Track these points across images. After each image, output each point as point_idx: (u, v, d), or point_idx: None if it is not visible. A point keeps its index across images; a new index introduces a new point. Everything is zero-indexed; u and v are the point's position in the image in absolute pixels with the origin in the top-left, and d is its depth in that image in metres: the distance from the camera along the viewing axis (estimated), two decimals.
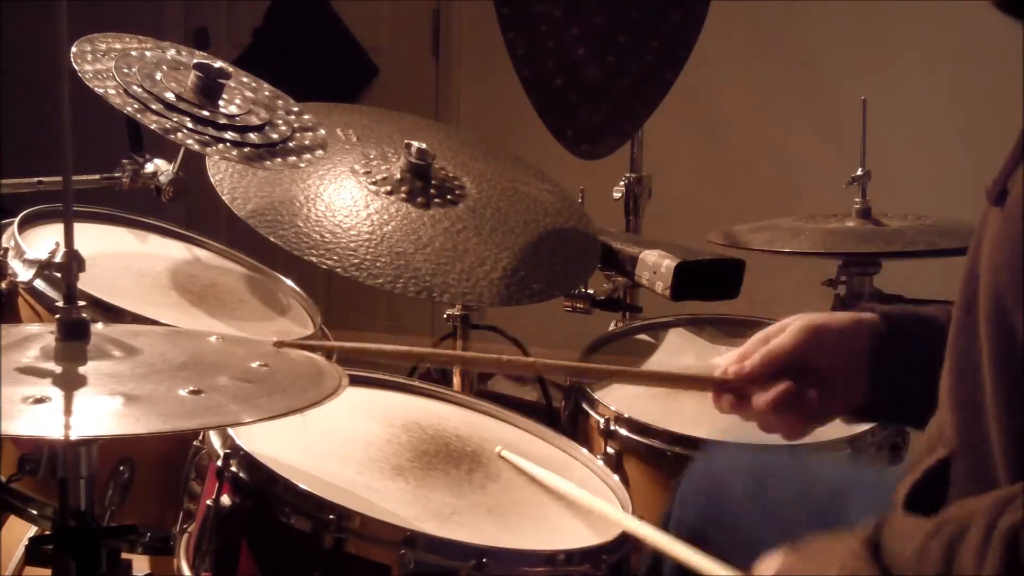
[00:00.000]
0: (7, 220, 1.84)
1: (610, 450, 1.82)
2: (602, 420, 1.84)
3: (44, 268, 1.60)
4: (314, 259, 1.75)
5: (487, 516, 1.49)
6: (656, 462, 1.80)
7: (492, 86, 3.50)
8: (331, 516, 1.36)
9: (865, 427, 1.81)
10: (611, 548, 1.45)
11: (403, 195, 1.90)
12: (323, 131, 1.93)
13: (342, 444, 1.58)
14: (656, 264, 2.03)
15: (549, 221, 2.04)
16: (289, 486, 1.40)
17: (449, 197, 1.94)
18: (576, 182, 2.29)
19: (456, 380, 2.11)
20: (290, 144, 1.86)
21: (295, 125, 1.90)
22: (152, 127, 1.73)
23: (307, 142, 1.88)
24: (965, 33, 3.05)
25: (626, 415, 1.83)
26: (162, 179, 2.03)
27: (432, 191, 1.93)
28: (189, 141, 1.74)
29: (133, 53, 1.85)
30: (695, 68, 2.36)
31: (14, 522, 1.80)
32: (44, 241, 1.75)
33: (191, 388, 1.22)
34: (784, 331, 1.36)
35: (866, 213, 2.22)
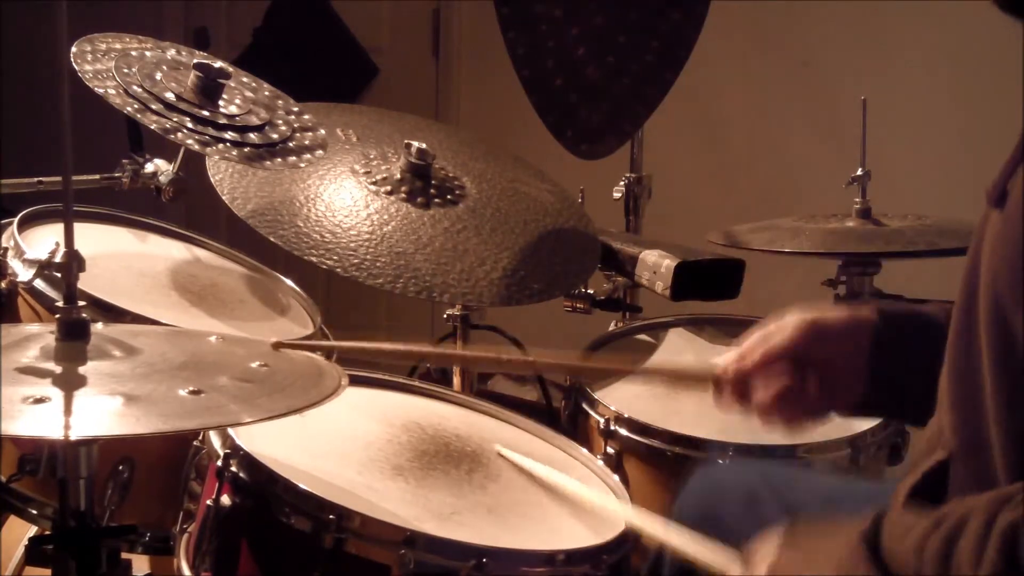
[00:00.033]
0: (7, 220, 1.84)
1: (610, 450, 1.82)
2: (602, 420, 1.84)
3: (44, 268, 1.60)
4: (314, 259, 1.75)
5: (487, 516, 1.49)
6: (656, 462, 1.80)
7: (492, 86, 3.50)
8: (331, 516, 1.36)
9: (865, 427, 1.81)
10: (611, 548, 1.45)
11: (403, 195, 1.90)
12: (323, 131, 1.93)
13: (342, 444, 1.58)
14: (656, 264, 2.03)
15: (549, 221, 2.04)
16: (289, 486, 1.40)
17: (449, 197, 1.94)
18: (576, 182, 2.29)
19: (456, 380, 2.11)
20: (290, 144, 1.86)
21: (295, 125, 1.90)
22: (152, 127, 1.73)
23: (307, 142, 1.88)
24: (965, 33, 3.05)
25: (626, 415, 1.83)
26: (162, 179, 2.03)
27: (432, 191, 1.93)
28: (189, 141, 1.74)
29: (133, 53, 1.85)
30: (695, 68, 2.36)
31: (14, 522, 1.80)
32: (44, 241, 1.75)
33: (191, 388, 1.22)
34: (783, 327, 1.36)
35: (866, 213, 2.22)
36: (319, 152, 1.88)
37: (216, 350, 1.42)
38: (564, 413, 1.96)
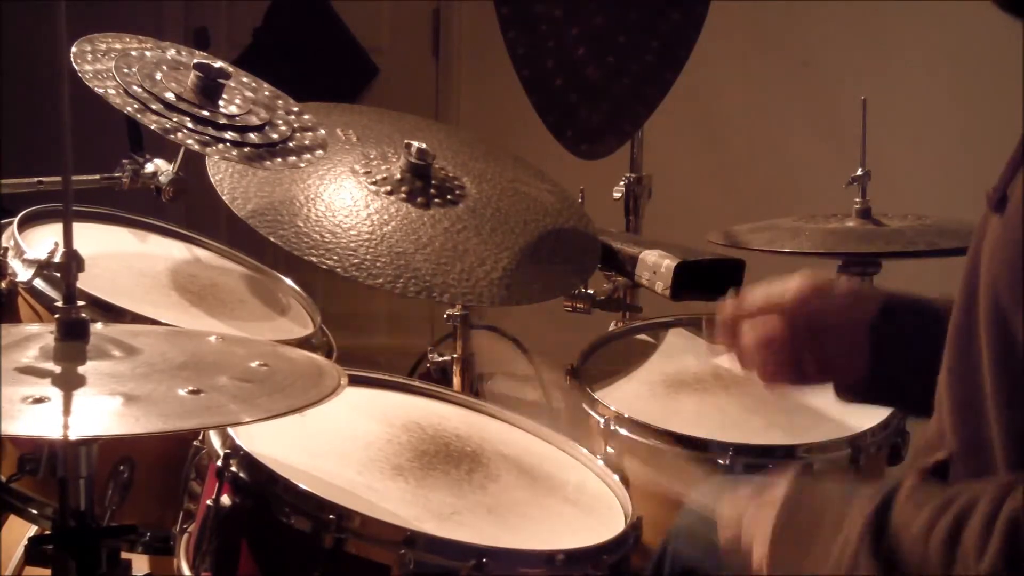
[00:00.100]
0: (7, 220, 1.84)
1: (610, 450, 1.82)
2: (602, 420, 1.83)
3: (43, 268, 1.60)
4: (314, 259, 1.75)
5: (487, 516, 1.49)
6: (656, 462, 1.80)
7: (492, 86, 3.50)
8: (331, 516, 1.36)
9: (865, 427, 1.81)
10: (611, 548, 1.46)
11: (403, 195, 1.90)
12: (323, 131, 1.93)
13: (342, 444, 1.58)
14: (656, 264, 2.03)
15: (549, 221, 2.04)
16: (289, 486, 1.40)
17: (449, 197, 1.94)
18: (576, 182, 2.29)
19: (456, 380, 2.11)
20: (290, 144, 1.86)
21: (295, 125, 1.90)
22: (152, 127, 1.73)
23: (307, 142, 1.88)
24: (965, 33, 3.05)
25: (626, 415, 1.83)
26: (162, 179, 2.03)
27: (432, 191, 1.93)
28: (189, 141, 1.74)
29: (133, 53, 1.85)
30: (695, 68, 2.36)
31: (14, 522, 1.80)
32: (44, 241, 1.75)
33: (191, 388, 1.22)
34: (790, 282, 1.36)
35: (866, 213, 2.22)
36: (319, 152, 1.88)
37: (216, 350, 1.42)
38: (564, 413, 1.96)
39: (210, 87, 1.83)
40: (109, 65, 1.78)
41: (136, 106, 1.74)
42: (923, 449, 1.14)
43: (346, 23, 4.29)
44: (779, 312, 1.35)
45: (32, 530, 1.71)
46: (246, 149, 1.79)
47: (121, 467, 1.65)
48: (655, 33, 2.32)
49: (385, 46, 4.29)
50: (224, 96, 1.85)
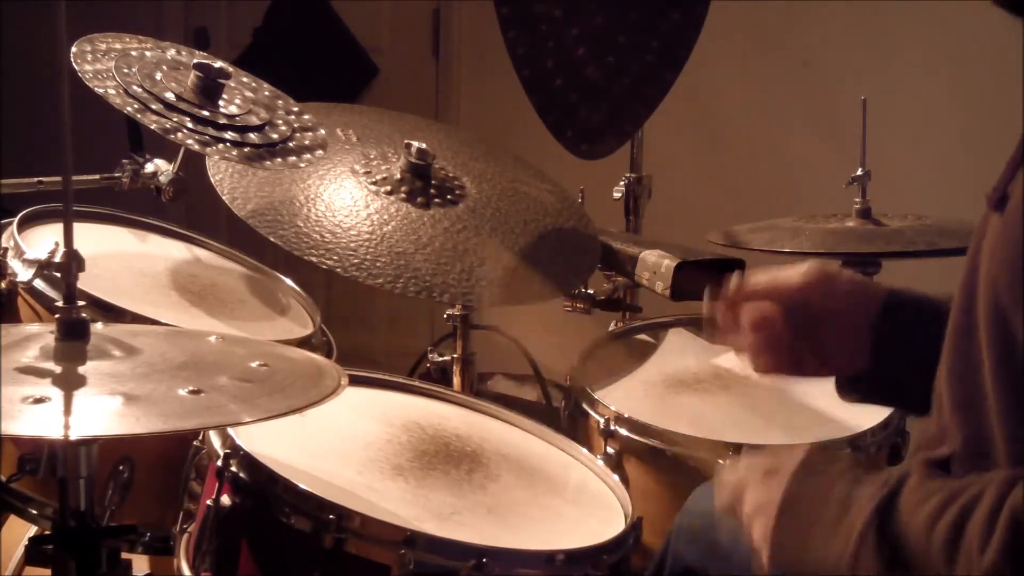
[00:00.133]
0: (7, 220, 1.84)
1: (610, 450, 1.81)
2: (602, 420, 1.83)
3: (43, 268, 1.60)
4: (314, 259, 1.75)
5: (487, 516, 1.49)
6: (656, 462, 1.80)
7: (492, 86, 3.50)
8: (331, 516, 1.36)
9: (865, 427, 1.81)
10: (611, 548, 1.45)
11: (403, 195, 1.90)
12: (323, 131, 1.93)
13: (342, 444, 1.58)
14: (656, 264, 2.03)
15: (549, 221, 2.04)
16: (289, 486, 1.40)
17: (449, 197, 1.94)
18: (576, 182, 2.29)
19: (456, 380, 2.11)
20: (290, 144, 1.86)
21: (295, 125, 1.90)
22: (152, 127, 1.73)
23: (307, 142, 1.88)
24: (965, 33, 3.05)
25: (626, 415, 1.83)
26: (162, 179, 2.03)
27: (432, 191, 1.93)
28: (189, 141, 1.74)
29: (133, 53, 1.85)
30: (695, 68, 2.36)
31: (14, 522, 1.80)
32: (44, 241, 1.75)
33: (191, 388, 1.22)
34: (796, 269, 1.36)
35: (866, 213, 2.22)
36: (319, 152, 1.88)
37: (216, 350, 1.42)
38: (564, 413, 1.96)
39: (210, 87, 1.83)
40: (109, 65, 1.78)
41: (136, 106, 1.74)
42: (922, 446, 1.14)
43: (346, 23, 4.29)
44: (780, 297, 1.35)
45: (32, 530, 1.71)
46: (246, 149, 1.79)
47: (121, 467, 1.65)
48: (655, 33, 2.32)
49: (385, 46, 4.29)
50: (224, 96, 1.85)
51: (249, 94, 1.91)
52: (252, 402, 1.23)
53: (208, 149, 1.75)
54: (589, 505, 1.60)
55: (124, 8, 3.98)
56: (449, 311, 2.11)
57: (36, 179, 1.96)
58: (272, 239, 1.76)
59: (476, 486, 1.55)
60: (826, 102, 3.36)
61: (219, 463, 1.44)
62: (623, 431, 1.82)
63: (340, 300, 3.49)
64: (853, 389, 1.40)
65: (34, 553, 1.29)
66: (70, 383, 1.21)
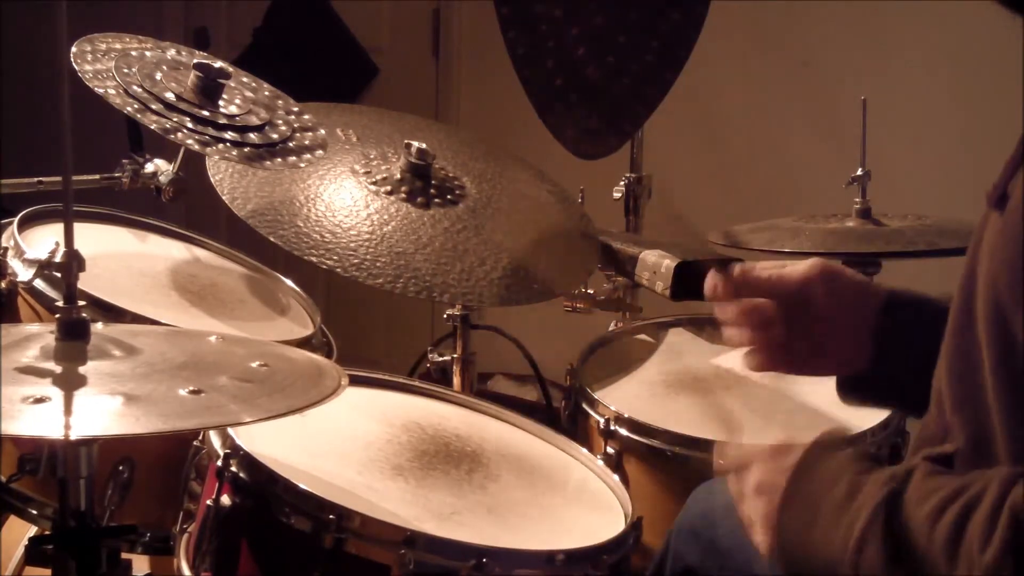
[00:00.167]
0: (7, 220, 1.84)
1: (610, 450, 1.82)
2: (602, 420, 1.84)
3: (44, 268, 1.60)
4: (314, 259, 1.75)
5: (487, 516, 1.49)
6: (656, 462, 1.80)
7: (492, 86, 3.50)
8: (331, 516, 1.36)
9: (865, 427, 1.81)
10: (611, 548, 1.45)
11: (403, 195, 1.90)
12: (323, 131, 1.93)
13: (342, 444, 1.58)
14: (656, 264, 2.03)
15: (549, 221, 2.04)
16: (289, 486, 1.40)
17: (449, 197, 1.94)
18: (576, 182, 2.29)
19: (456, 380, 2.11)
20: (290, 144, 1.86)
21: (295, 125, 1.90)
22: (152, 127, 1.73)
23: (307, 142, 1.88)
24: (965, 33, 3.05)
25: (626, 415, 1.83)
26: (162, 179, 2.03)
27: (432, 191, 1.93)
28: (189, 141, 1.74)
29: (133, 53, 1.85)
30: (695, 68, 2.36)
31: (14, 522, 1.80)
32: (44, 241, 1.76)
33: (191, 388, 1.22)
34: (801, 264, 1.36)
35: (866, 213, 2.22)
36: (319, 152, 1.88)
37: (216, 350, 1.42)
38: (564, 413, 1.96)
39: (210, 87, 1.83)
40: (109, 65, 1.78)
41: (136, 106, 1.74)
42: (923, 444, 1.14)
43: (346, 23, 4.29)
44: (780, 294, 1.35)
45: (32, 530, 1.71)
46: (246, 149, 1.79)
47: (121, 467, 1.65)
48: (655, 33, 2.32)
49: (385, 46, 4.29)
50: (224, 96, 1.85)
51: (249, 94, 1.91)
52: (252, 402, 1.23)
53: (208, 149, 1.75)
54: (589, 505, 1.60)
55: (124, 8, 3.98)
56: (449, 311, 2.11)
57: (36, 179, 1.96)
58: (272, 239, 1.76)
59: (476, 486, 1.55)
60: (826, 102, 3.36)
61: (219, 463, 1.44)
62: (623, 431, 1.82)
63: (340, 300, 3.49)
64: (853, 391, 1.40)
65: (34, 553, 1.29)
66: (70, 383, 1.21)
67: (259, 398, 1.24)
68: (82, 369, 1.24)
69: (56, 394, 1.18)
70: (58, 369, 1.23)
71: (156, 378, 1.25)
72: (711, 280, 1.37)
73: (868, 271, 2.20)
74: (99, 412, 1.17)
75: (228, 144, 1.78)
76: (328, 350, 1.94)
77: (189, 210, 3.41)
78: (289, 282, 2.10)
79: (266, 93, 1.95)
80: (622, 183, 2.53)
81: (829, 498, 1.07)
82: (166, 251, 2.07)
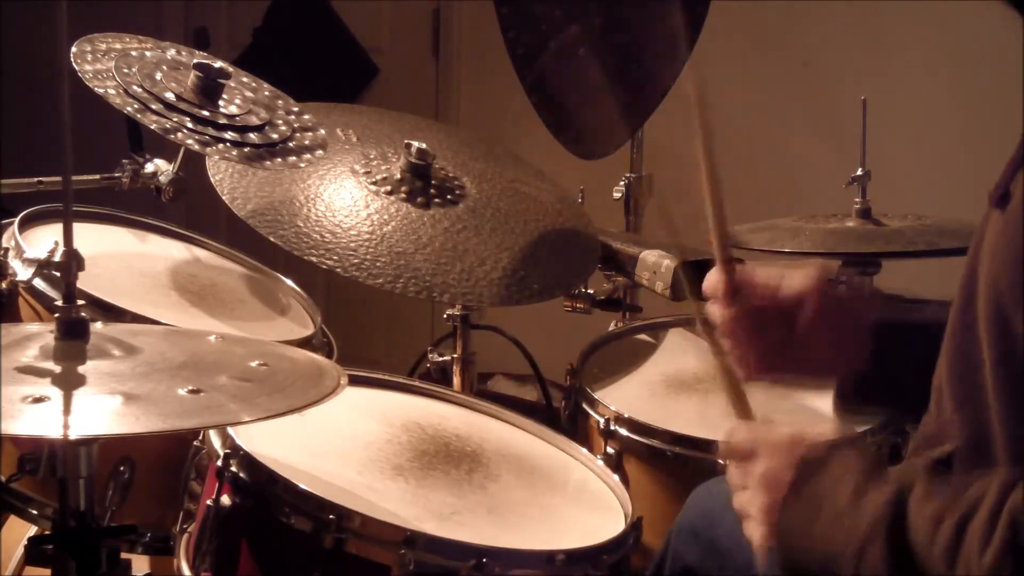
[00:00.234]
0: (7, 220, 1.84)
1: (610, 450, 1.82)
2: (602, 420, 1.84)
3: (43, 267, 1.60)
4: (314, 259, 1.75)
5: (487, 516, 1.49)
6: (656, 462, 1.80)
7: (492, 86, 3.50)
8: (331, 516, 1.36)
9: (865, 427, 1.81)
10: (611, 548, 1.45)
11: (403, 195, 1.90)
12: (323, 131, 1.93)
13: (342, 444, 1.58)
14: (656, 264, 2.03)
15: (549, 221, 2.04)
16: (289, 486, 1.40)
17: (449, 197, 1.94)
18: (576, 182, 2.29)
19: (456, 380, 2.11)
20: (290, 144, 1.86)
21: (295, 125, 1.90)
22: (152, 127, 1.73)
23: (307, 142, 1.88)
24: (965, 33, 3.05)
25: (626, 415, 1.83)
26: (162, 179, 2.03)
27: (432, 191, 1.93)
28: (189, 141, 1.74)
29: (133, 53, 1.85)
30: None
31: (14, 522, 1.80)
32: (44, 241, 1.75)
33: (190, 387, 1.22)
34: (795, 279, 1.36)
35: (866, 213, 2.22)
36: (319, 152, 1.88)
37: (215, 350, 1.42)
38: (564, 413, 1.96)
39: (210, 87, 1.83)
40: (109, 65, 1.78)
41: (136, 106, 1.74)
42: (921, 443, 1.14)
43: (346, 23, 4.28)
44: (777, 302, 1.34)
45: (32, 530, 1.71)
46: (246, 149, 1.79)
47: (121, 467, 1.65)
48: (655, 33, 2.32)
49: (385, 46, 4.29)
50: (224, 96, 1.85)
51: (249, 94, 1.91)
52: (252, 402, 1.23)
53: (208, 149, 1.75)
54: (589, 505, 1.60)
55: (124, 8, 3.98)
56: (449, 311, 2.11)
57: (36, 179, 1.96)
58: (272, 239, 1.76)
59: (476, 486, 1.55)
60: (826, 102, 3.35)
61: (219, 463, 1.44)
62: (623, 431, 1.82)
63: (340, 300, 3.49)
64: (850, 396, 1.40)
65: (34, 553, 1.29)
66: (70, 382, 1.21)
67: (259, 398, 1.24)
68: (81, 369, 1.24)
69: (56, 393, 1.18)
70: (58, 369, 1.23)
71: (156, 378, 1.25)
72: (711, 280, 1.37)
73: (868, 271, 2.20)
74: (99, 412, 1.17)
75: (228, 144, 1.77)
76: (328, 350, 1.94)
77: (189, 210, 3.41)
78: (289, 282, 2.10)
79: (266, 93, 1.95)
80: (622, 183, 2.52)
81: (833, 497, 1.07)
82: (166, 251, 2.07)
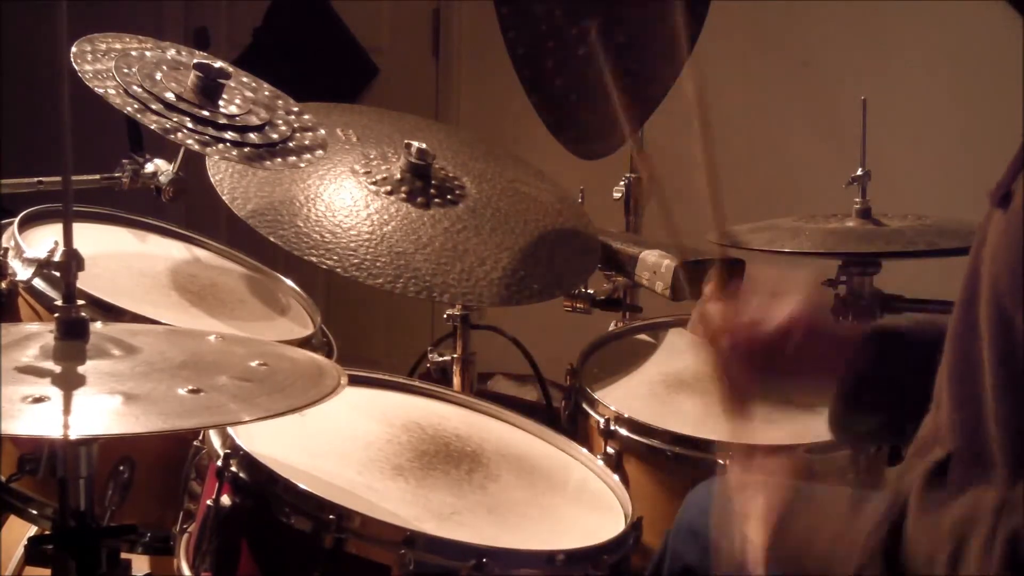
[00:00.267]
0: (7, 220, 1.84)
1: (610, 450, 1.82)
2: (602, 420, 1.84)
3: (43, 267, 1.60)
4: (314, 259, 1.75)
5: (487, 516, 1.49)
6: (656, 462, 1.80)
7: (492, 86, 3.50)
8: (331, 516, 1.36)
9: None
10: (611, 548, 1.45)
11: (403, 195, 1.90)
12: (323, 131, 1.93)
13: (342, 444, 1.58)
14: (656, 264, 2.03)
15: (549, 221, 2.04)
16: (289, 486, 1.40)
17: (449, 197, 1.94)
18: (576, 182, 2.29)
19: (456, 380, 2.11)
20: (290, 144, 1.86)
21: (295, 125, 1.90)
22: (152, 127, 1.73)
23: (307, 142, 1.88)
24: (965, 33, 3.05)
25: (626, 415, 1.83)
26: (162, 179, 2.03)
27: (432, 191, 1.93)
28: (189, 141, 1.74)
29: (133, 53, 1.85)
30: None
31: (14, 522, 1.80)
32: (44, 241, 1.75)
33: (190, 387, 1.22)
34: (784, 305, 1.36)
35: (866, 213, 2.22)
36: (319, 152, 1.88)
37: (215, 350, 1.42)
38: (564, 413, 1.96)
39: (210, 87, 1.83)
40: (109, 65, 1.78)
41: (136, 106, 1.74)
42: (920, 444, 1.14)
43: (346, 23, 4.29)
44: (763, 324, 1.35)
45: (32, 530, 1.71)
46: (246, 149, 1.79)
47: (121, 467, 1.65)
48: (655, 33, 2.32)
49: (385, 46, 4.29)
50: (224, 96, 1.85)
51: (249, 94, 1.91)
52: (252, 401, 1.23)
53: (208, 149, 1.75)
54: (589, 505, 1.60)
55: (124, 8, 3.98)
56: (449, 311, 2.11)
57: (36, 179, 1.96)
58: (272, 239, 1.76)
59: (476, 486, 1.55)
60: (826, 102, 3.35)
61: (219, 463, 1.44)
62: (623, 431, 1.82)
63: (340, 300, 3.49)
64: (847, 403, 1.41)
65: (34, 553, 1.29)
66: (70, 382, 1.21)
67: (259, 398, 1.24)
68: (81, 368, 1.24)
69: (56, 393, 1.18)
70: (58, 368, 1.23)
71: (155, 377, 1.25)
72: (711, 280, 1.37)
73: (868, 271, 2.20)
74: (98, 411, 1.17)
75: (228, 144, 1.78)
76: (328, 350, 1.94)
77: (189, 210, 3.41)
78: (289, 282, 2.10)
79: (266, 93, 1.95)
80: (622, 183, 2.52)
81: (834, 509, 1.07)
82: (166, 251, 2.07)
